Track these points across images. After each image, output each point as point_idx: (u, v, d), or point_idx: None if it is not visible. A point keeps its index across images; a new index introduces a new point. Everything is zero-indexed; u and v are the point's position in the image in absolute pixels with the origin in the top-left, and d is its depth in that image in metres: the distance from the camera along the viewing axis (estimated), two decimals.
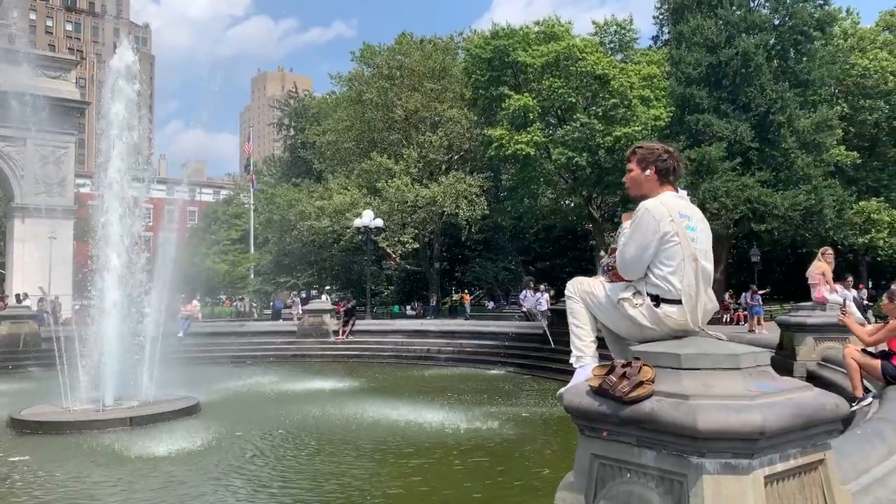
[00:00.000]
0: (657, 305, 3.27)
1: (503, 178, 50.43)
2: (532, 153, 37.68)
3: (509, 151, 37.71)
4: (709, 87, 39.81)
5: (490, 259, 48.64)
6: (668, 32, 45.48)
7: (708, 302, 3.33)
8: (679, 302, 3.24)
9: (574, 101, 38.63)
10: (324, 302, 24.72)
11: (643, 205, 3.33)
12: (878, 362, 6.54)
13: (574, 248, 49.36)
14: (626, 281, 3.46)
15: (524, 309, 24.16)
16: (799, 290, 40.81)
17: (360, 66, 42.74)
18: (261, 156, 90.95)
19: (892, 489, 3.86)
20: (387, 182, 38.18)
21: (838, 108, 44.01)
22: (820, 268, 10.12)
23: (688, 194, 3.65)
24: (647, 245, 3.26)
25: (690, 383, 2.82)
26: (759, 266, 42.16)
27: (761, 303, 27.54)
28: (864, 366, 6.64)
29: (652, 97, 38.75)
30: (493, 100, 40.63)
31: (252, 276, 51.23)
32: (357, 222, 28.72)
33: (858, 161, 42.12)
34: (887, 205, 42.00)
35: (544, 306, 23.94)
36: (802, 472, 2.85)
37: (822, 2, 41.00)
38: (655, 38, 47.36)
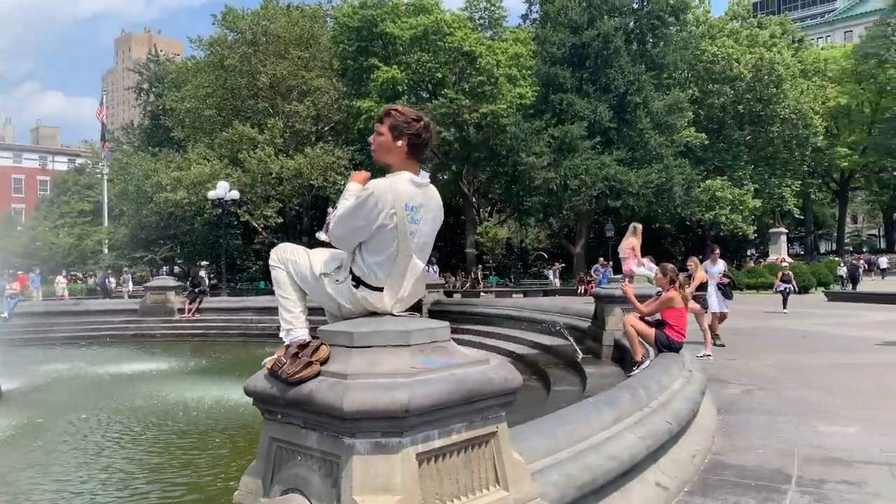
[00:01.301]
0: (356, 286, 3.17)
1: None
2: None
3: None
4: (572, 67, 41.17)
5: None
6: (537, 11, 46.44)
7: (409, 290, 3.24)
8: (380, 290, 3.15)
9: (442, 76, 38.72)
10: (166, 278, 23.45)
11: (372, 186, 3.12)
12: (652, 331, 6.96)
13: (446, 221, 49.64)
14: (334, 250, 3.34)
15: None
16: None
17: (223, 30, 40.68)
18: (124, 122, 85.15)
19: (606, 455, 4.04)
20: (249, 153, 36.78)
21: (690, 91, 46.81)
22: (630, 243, 10.68)
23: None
24: (361, 230, 3.11)
25: (358, 362, 2.76)
26: (613, 241, 44.22)
27: (611, 275, 28.97)
28: (641, 334, 7.06)
29: (518, 76, 39.52)
30: (362, 71, 40.02)
31: (105, 250, 48.06)
32: (211, 194, 27.45)
33: (706, 142, 45.07)
34: (730, 183, 45.30)
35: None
36: (470, 447, 2.87)
37: None
38: (525, 17, 48.28)
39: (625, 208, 43.86)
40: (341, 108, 40.40)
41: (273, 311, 14.60)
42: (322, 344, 2.91)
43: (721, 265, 12.86)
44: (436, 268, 18.00)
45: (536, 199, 40.05)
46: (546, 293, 37.24)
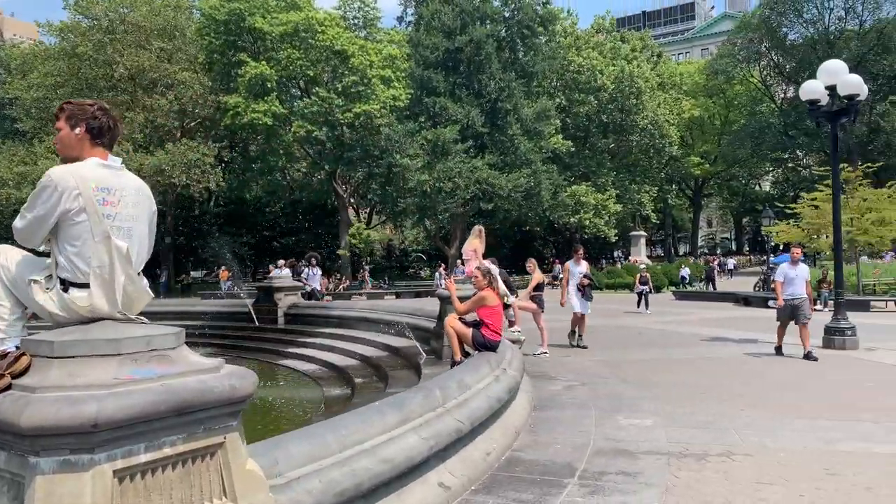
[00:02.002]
0: (66, 290, 2.96)
1: (252, 149, 48.41)
2: (270, 123, 36.56)
3: (245, 120, 36.19)
4: (445, 71, 41.67)
5: (231, 234, 46.49)
6: (412, 14, 46.66)
7: (129, 284, 3.05)
8: (87, 286, 2.96)
9: (314, 74, 38.08)
10: None
11: (49, 172, 2.97)
12: (470, 330, 7.11)
13: (321, 223, 49.08)
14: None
15: (309, 288, 23.05)
16: (523, 264, 45.00)
17: (75, 15, 37.90)
18: None
19: (380, 458, 4.02)
20: None
21: (558, 100, 48.73)
22: (473, 245, 10.89)
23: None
24: (43, 220, 2.93)
25: (56, 374, 2.57)
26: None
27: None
28: (460, 334, 7.18)
29: (392, 77, 39.51)
30: (230, 65, 38.60)
31: None
32: None
33: (572, 149, 47.03)
34: (594, 189, 47.51)
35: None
36: (189, 460, 2.74)
37: (544, 0, 44.68)
38: (400, 19, 48.36)
39: (497, 211, 44.97)
40: (207, 103, 38.73)
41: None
42: (23, 354, 2.69)
43: (584, 266, 12.84)
44: (317, 269, 17.37)
45: (410, 200, 40.21)
46: (418, 294, 37.44)
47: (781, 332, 11.42)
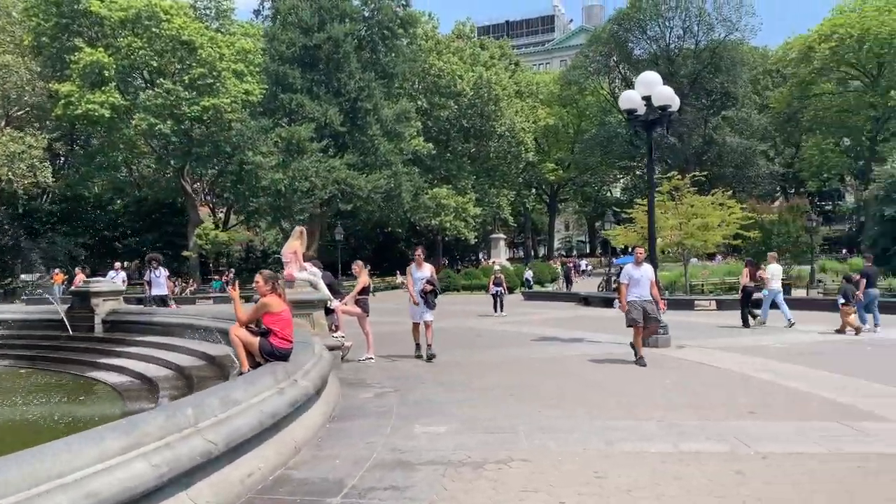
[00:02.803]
0: None
1: (94, 142, 44.79)
2: (108, 115, 33.93)
3: (80, 111, 33.37)
4: (303, 68, 40.58)
5: (66, 234, 42.79)
6: (269, 8, 45.12)
7: None
8: None
9: (158, 65, 35.80)
10: None
11: None
12: (257, 339, 6.64)
13: (169, 222, 46.22)
14: None
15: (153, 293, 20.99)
16: (387, 265, 44.85)
17: None
18: None
19: (85, 492, 3.50)
20: None
21: (419, 102, 48.96)
22: (293, 246, 10.40)
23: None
24: None
25: None
26: (343, 244, 44.55)
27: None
28: (245, 343, 6.70)
29: (245, 71, 37.96)
30: (63, 51, 35.49)
31: None
32: None
33: (434, 152, 47.39)
34: (455, 192, 48.14)
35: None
36: None
37: (404, 2, 44.68)
38: (258, 12, 46.56)
39: (357, 212, 44.45)
40: (36, 90, 35.36)
41: None
42: None
43: (427, 270, 11.21)
44: (160, 271, 15.93)
45: (264, 199, 38.76)
46: None
47: (638, 337, 10.74)
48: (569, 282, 39.42)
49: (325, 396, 7.57)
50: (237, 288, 7.36)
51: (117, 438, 3.94)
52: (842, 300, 14.91)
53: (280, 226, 44.35)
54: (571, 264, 52.87)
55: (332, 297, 10.77)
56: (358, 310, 11.16)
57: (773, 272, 17.00)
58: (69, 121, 36.24)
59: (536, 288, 38.81)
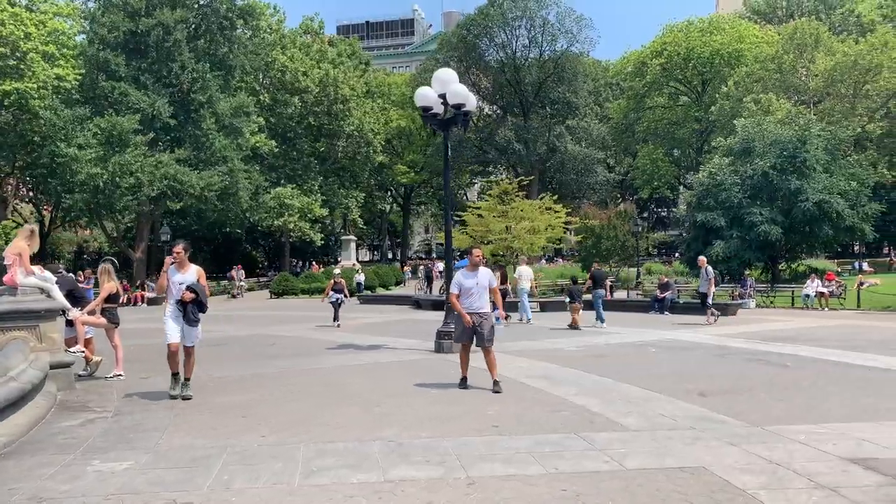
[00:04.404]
0: None
1: None
2: None
3: None
4: (127, 54, 37.51)
5: None
6: None
7: None
8: None
9: None
10: None
11: None
12: None
13: None
14: None
15: None
16: (228, 268, 42.27)
17: None
18: None
19: None
20: None
21: (262, 97, 46.86)
22: (17, 246, 8.87)
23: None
24: None
25: None
26: (169, 245, 41.59)
27: None
28: None
29: (57, 55, 34.39)
30: None
31: None
32: None
33: (277, 150, 45.50)
34: (299, 192, 46.48)
35: None
36: None
37: None
38: None
39: (189, 210, 41.73)
40: None
41: None
42: None
43: (192, 272, 8.30)
44: None
45: (80, 196, 35.24)
46: None
47: (464, 358, 8.97)
48: (430, 282, 39.32)
49: (6, 426, 6.32)
50: None
51: None
52: (568, 299, 17.78)
53: (101, 225, 40.76)
54: (432, 266, 52.87)
55: (69, 307, 9.33)
56: (103, 320, 9.77)
57: (522, 273, 19.29)
58: None
59: (381, 291, 38.22)
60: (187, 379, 8.36)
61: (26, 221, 50.20)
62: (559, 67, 55.55)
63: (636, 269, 36.55)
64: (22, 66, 31.94)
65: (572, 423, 6.86)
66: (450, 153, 12.51)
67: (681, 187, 75.42)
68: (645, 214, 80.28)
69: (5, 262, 8.90)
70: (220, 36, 42.03)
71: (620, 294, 29.44)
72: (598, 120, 63.47)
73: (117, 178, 34.86)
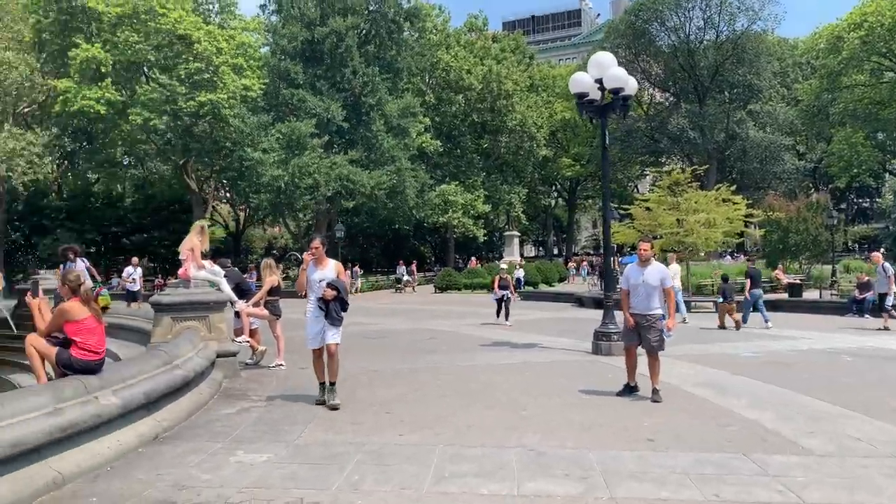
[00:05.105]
0: None
1: (101, 139, 44.82)
2: (104, 111, 33.67)
3: (76, 107, 33.16)
4: (305, 62, 39.92)
5: (74, 230, 42.79)
6: (273, 1, 44.54)
7: None
8: None
9: (155, 59, 35.42)
10: None
11: None
12: (55, 350, 5.79)
13: (177, 220, 45.95)
14: None
15: (132, 288, 20.59)
16: (399, 262, 43.84)
17: None
18: None
19: None
20: None
21: (428, 98, 47.95)
22: (190, 243, 9.52)
23: None
24: None
25: None
26: (343, 241, 43.78)
27: None
28: (43, 354, 5.87)
29: (245, 66, 37.41)
30: (64, 47, 35.36)
31: None
32: None
33: (441, 149, 46.35)
34: (462, 189, 47.02)
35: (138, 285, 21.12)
36: None
37: None
38: (264, 7, 46.02)
39: (361, 209, 43.67)
40: (36, 86, 35.28)
41: None
42: None
43: (331, 268, 7.68)
44: (78, 263, 14.57)
45: (264, 196, 38.12)
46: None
47: (628, 363, 8.13)
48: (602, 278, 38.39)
49: (169, 411, 6.69)
50: (40, 296, 6.48)
51: None
52: (720, 299, 16.84)
53: (285, 223, 43.85)
54: (585, 263, 51.39)
55: (235, 299, 9.87)
56: (265, 312, 10.24)
57: (672, 271, 17.55)
58: (68, 117, 36.08)
59: (543, 288, 37.58)
60: (332, 383, 7.61)
61: (224, 220, 55.45)
62: (739, 48, 51.42)
63: (831, 266, 32.81)
64: (215, 79, 35.07)
65: (740, 440, 6.03)
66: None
67: (886, 175, 67.15)
68: (842, 206, 72.45)
69: (180, 257, 9.58)
70: (388, 40, 43.49)
71: (812, 294, 26.53)
72: (785, 103, 58.00)
73: (296, 179, 37.20)
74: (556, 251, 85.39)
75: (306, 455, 5.63)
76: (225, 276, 9.79)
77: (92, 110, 33.16)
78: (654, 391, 7.76)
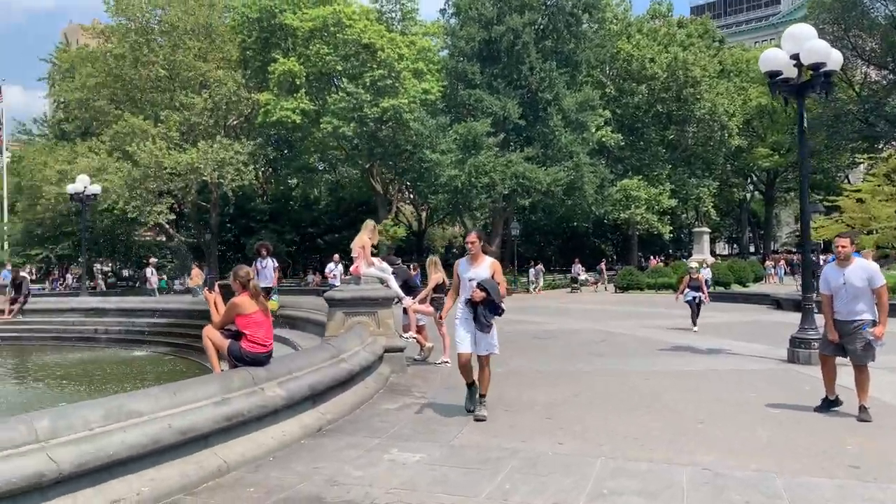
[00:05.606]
0: None
1: (299, 146, 48.75)
2: (299, 121, 36.39)
3: (275, 117, 36.18)
4: (482, 62, 40.33)
5: (275, 231, 46.88)
6: (452, 4, 45.51)
7: None
8: None
9: (341, 69, 37.64)
10: None
11: None
12: (227, 342, 6.08)
13: (363, 220, 48.72)
14: None
15: (335, 284, 22.38)
16: (575, 261, 43.07)
17: (116, 17, 38.95)
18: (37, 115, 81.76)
19: None
20: (140, 145, 35.22)
21: (608, 90, 46.43)
22: (361, 240, 9.76)
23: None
24: None
25: None
26: (518, 239, 43.57)
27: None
28: (217, 346, 6.18)
29: (425, 70, 38.59)
30: (265, 63, 38.79)
31: (5, 247, 45.96)
32: (70, 188, 25.98)
33: (622, 143, 44.66)
34: (646, 183, 44.96)
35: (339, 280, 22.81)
36: None
37: None
38: (443, 11, 47.23)
39: (532, 207, 43.27)
40: (242, 101, 39.00)
41: (100, 312, 13.33)
42: None
43: (485, 266, 6.91)
44: (268, 261, 15.57)
45: (442, 196, 39.09)
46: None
47: (826, 373, 7.06)
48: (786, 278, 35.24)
49: (333, 404, 6.86)
50: (214, 291, 6.86)
51: None
52: None
53: (462, 222, 44.64)
54: (782, 261, 47.01)
55: (403, 295, 10.00)
56: (431, 309, 10.27)
57: None
58: (269, 127, 39.43)
59: (736, 288, 34.76)
60: (482, 395, 6.90)
61: (407, 220, 57.80)
62: None
63: None
64: (396, 85, 36.55)
65: None
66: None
67: None
68: None
69: (352, 255, 9.90)
70: (566, 33, 42.64)
71: None
72: None
73: (473, 179, 37.69)
74: (751, 249, 78.99)
75: (459, 458, 5.45)
76: (393, 272, 9.98)
77: (289, 120, 35.94)
78: (862, 408, 6.66)
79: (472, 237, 7.06)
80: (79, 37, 58.25)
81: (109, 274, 51.77)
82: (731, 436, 6.09)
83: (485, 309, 6.69)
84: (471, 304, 6.75)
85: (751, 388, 8.42)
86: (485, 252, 7.06)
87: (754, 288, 36.22)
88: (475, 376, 6.98)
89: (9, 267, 25.51)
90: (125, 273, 55.44)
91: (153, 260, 36.57)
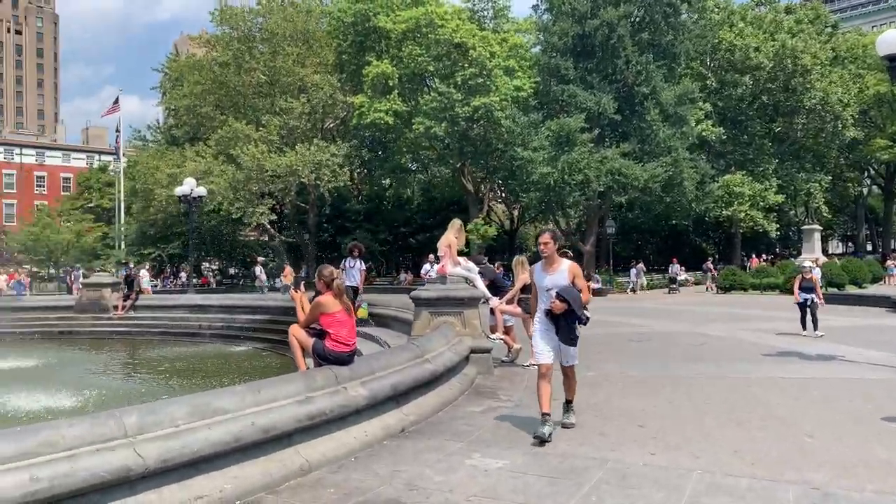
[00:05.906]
0: None
1: (393, 147, 49.60)
2: (391, 122, 36.89)
3: (369, 119, 36.83)
4: (575, 57, 39.54)
5: (370, 230, 47.83)
6: (545, 1, 44.91)
7: None
8: None
9: (433, 69, 37.85)
10: (102, 275, 23.31)
11: None
12: (312, 340, 6.11)
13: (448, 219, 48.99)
14: None
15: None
16: (673, 260, 41.57)
17: (221, 27, 40.87)
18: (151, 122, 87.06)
19: None
20: (243, 148, 36.79)
21: (709, 81, 44.50)
22: (448, 240, 9.64)
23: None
24: None
25: None
26: (613, 238, 42.42)
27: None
28: (302, 344, 6.21)
29: (517, 67, 38.25)
30: (360, 66, 39.57)
31: (122, 246, 49.19)
32: (178, 191, 27.45)
33: (724, 137, 42.68)
34: (750, 178, 42.78)
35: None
36: None
37: None
38: (536, 7, 46.67)
39: (634, 204, 42.04)
40: (337, 103, 39.99)
41: (203, 309, 14.12)
42: None
43: (564, 271, 6.25)
44: (356, 262, 15.55)
45: (534, 194, 38.56)
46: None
47: None
48: None
49: (416, 405, 6.79)
50: (301, 290, 6.92)
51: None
52: None
53: (555, 220, 43.95)
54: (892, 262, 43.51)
55: (489, 295, 9.84)
56: (518, 310, 10.05)
57: None
58: (363, 129, 40.22)
59: (851, 289, 32.44)
60: (569, 401, 6.52)
61: (499, 219, 57.58)
62: None
63: None
64: (488, 83, 36.39)
65: None
66: None
67: None
68: None
69: (439, 254, 9.84)
70: (663, 24, 41.12)
71: None
72: None
73: (566, 176, 36.96)
74: (868, 247, 73.70)
75: (543, 466, 5.24)
76: (479, 272, 9.84)
77: (382, 121, 36.50)
78: None
79: (546, 237, 6.34)
80: (188, 47, 61.73)
81: (216, 272, 54.46)
82: (845, 452, 5.57)
83: (568, 322, 6.11)
84: (551, 314, 6.18)
85: (866, 399, 7.73)
86: (564, 253, 6.62)
87: (872, 289, 33.73)
88: (549, 396, 6.17)
89: (131, 265, 27.21)
90: (231, 271, 58.21)
91: (261, 259, 38.33)
